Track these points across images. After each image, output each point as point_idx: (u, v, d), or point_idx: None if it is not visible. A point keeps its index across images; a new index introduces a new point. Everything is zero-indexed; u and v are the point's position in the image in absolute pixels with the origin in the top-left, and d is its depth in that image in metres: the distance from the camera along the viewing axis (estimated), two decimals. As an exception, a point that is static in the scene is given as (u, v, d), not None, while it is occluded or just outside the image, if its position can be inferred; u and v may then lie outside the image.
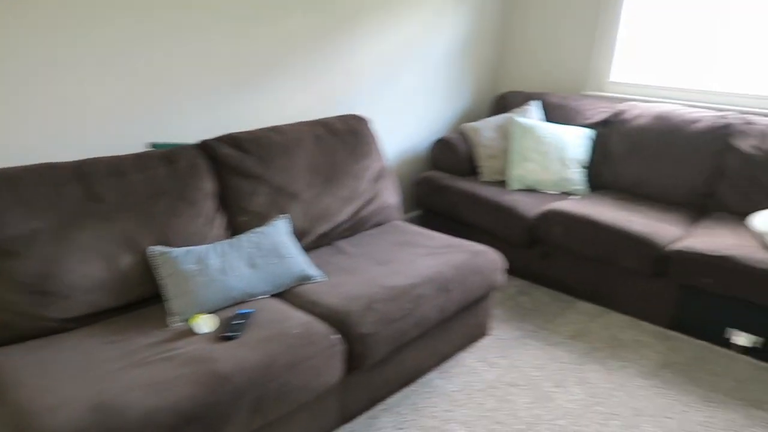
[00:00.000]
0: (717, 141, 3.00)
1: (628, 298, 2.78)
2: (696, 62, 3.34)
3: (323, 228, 2.42)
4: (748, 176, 2.89)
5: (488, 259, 2.36)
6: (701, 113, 3.11)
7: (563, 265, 2.97)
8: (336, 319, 1.89)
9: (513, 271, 3.18)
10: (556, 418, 2.11)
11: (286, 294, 2.06)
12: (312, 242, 2.40)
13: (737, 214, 2.91)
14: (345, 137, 2.61)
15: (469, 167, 3.46)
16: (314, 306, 1.97)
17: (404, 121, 3.51)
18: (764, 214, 2.62)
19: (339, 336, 1.85)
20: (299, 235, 2.35)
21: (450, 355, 2.40)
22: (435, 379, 2.32)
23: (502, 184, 3.32)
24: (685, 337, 2.63)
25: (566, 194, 3.24)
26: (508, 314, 2.81)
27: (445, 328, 2.29)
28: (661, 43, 3.45)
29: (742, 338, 2.46)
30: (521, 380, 2.32)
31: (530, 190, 3.26)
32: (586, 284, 2.92)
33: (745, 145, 2.93)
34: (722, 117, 3.04)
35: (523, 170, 3.25)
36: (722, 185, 2.98)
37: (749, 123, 2.97)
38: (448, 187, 3.27)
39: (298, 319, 1.86)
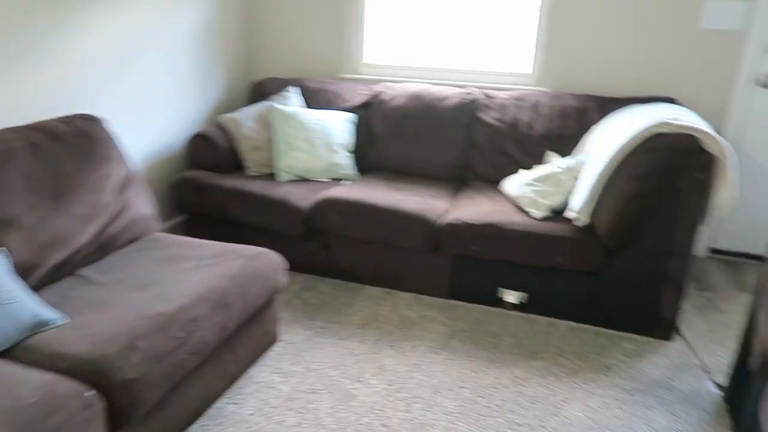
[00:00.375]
0: (466, 116, 3.19)
1: (410, 276, 2.82)
2: (437, 42, 3.52)
3: (58, 256, 1.95)
4: (494, 146, 3.12)
5: (267, 260, 2.15)
6: (449, 91, 3.28)
7: (345, 253, 2.89)
8: (88, 371, 1.51)
9: (295, 267, 3.02)
10: (361, 417, 2.01)
11: (13, 351, 1.59)
12: (45, 276, 1.92)
13: (490, 181, 3.14)
14: (74, 142, 2.14)
15: (232, 162, 3.18)
16: (56, 359, 1.55)
17: (149, 118, 3.07)
18: (514, 178, 2.86)
19: (95, 392, 1.47)
20: (25, 270, 1.85)
21: (240, 374, 2.14)
22: (227, 405, 2.04)
23: (271, 176, 3.11)
24: (465, 305, 2.75)
25: (337, 180, 3.17)
26: (295, 314, 2.64)
27: (229, 347, 2.02)
28: (405, 24, 3.56)
29: (511, 296, 2.65)
30: (320, 384, 2.17)
31: (301, 180, 3.11)
32: (369, 269, 2.88)
33: (489, 117, 3.16)
34: (468, 93, 3.24)
35: (291, 160, 3.08)
36: (475, 156, 3.18)
37: (490, 97, 3.22)
38: (212, 186, 2.95)
39: (33, 382, 1.43)
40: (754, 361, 1.79)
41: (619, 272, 2.47)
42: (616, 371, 2.30)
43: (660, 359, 2.38)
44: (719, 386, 2.22)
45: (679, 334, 2.55)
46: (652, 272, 2.43)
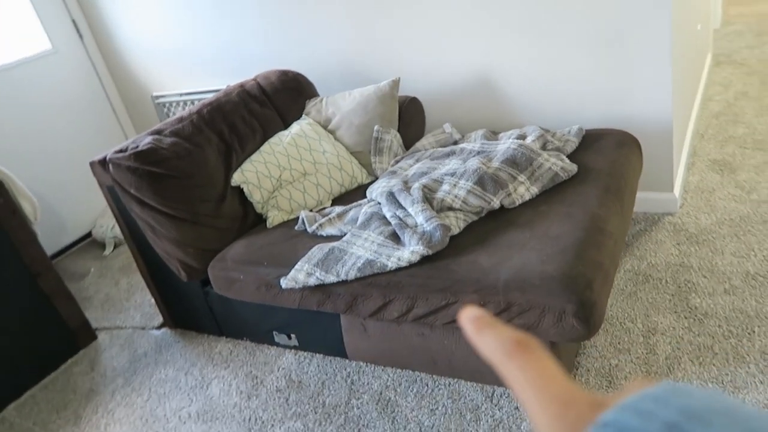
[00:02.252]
0: None
1: None
2: None
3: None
4: None
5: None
6: None
7: None
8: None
9: None
10: None
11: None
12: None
13: None
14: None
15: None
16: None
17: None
18: None
19: None
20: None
21: None
22: None
23: None
24: None
25: None
26: None
27: None
28: None
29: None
30: None
31: None
32: None
33: None
34: None
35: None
36: None
37: None
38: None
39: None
40: (182, 276, 2.21)
41: (9, 323, 2.31)
42: (93, 394, 2.29)
43: (114, 351, 2.49)
44: (160, 326, 2.57)
45: (99, 328, 2.68)
46: (32, 302, 2.38)
